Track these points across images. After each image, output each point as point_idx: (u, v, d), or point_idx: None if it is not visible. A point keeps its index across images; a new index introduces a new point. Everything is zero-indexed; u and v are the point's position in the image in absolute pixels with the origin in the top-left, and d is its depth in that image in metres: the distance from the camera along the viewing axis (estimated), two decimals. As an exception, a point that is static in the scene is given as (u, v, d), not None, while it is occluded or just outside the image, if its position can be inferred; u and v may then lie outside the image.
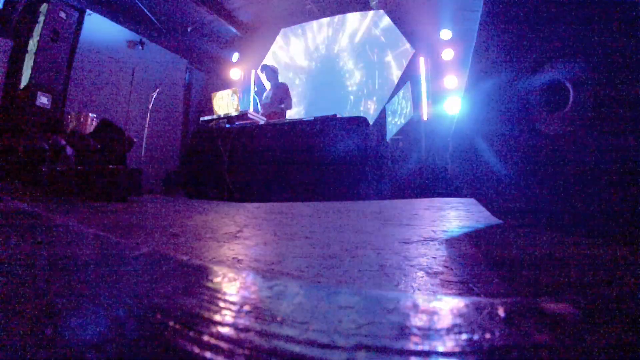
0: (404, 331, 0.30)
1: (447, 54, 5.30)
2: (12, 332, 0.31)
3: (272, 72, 4.32)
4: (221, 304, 0.37)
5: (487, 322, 0.32)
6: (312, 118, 3.44)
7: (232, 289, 0.45)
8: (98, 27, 4.91)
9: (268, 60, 6.51)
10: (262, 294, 0.43)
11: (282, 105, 4.13)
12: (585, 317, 0.33)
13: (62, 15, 4.31)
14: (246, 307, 0.36)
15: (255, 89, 3.77)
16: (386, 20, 5.70)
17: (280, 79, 4.60)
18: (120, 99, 5.16)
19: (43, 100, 4.08)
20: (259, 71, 4.60)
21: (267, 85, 4.40)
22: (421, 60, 5.44)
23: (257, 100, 4.36)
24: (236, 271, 0.56)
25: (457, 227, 1.29)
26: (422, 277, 0.60)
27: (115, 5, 5.23)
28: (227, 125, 3.68)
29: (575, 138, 0.96)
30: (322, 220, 1.52)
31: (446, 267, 0.68)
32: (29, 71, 4.05)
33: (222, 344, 0.28)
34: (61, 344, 0.29)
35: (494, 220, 1.34)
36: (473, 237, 1.08)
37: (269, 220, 1.51)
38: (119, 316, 0.34)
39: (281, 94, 4.18)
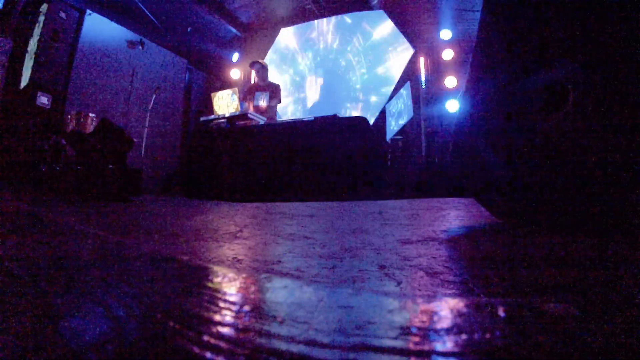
0: (404, 331, 0.30)
1: (447, 54, 5.30)
2: (12, 332, 0.31)
3: (262, 69, 4.16)
4: (221, 304, 0.37)
5: (487, 322, 0.32)
6: (312, 118, 3.44)
7: (232, 289, 0.45)
8: (98, 27, 4.90)
9: (267, 61, 6.52)
10: (262, 294, 0.43)
11: (272, 103, 4.04)
12: (585, 317, 0.33)
13: (62, 15, 4.31)
14: (246, 307, 0.36)
15: (239, 108, 3.64)
16: (386, 20, 5.70)
17: (281, 79, 4.58)
18: (120, 99, 5.15)
19: (43, 100, 4.08)
20: (249, 67, 4.40)
21: (256, 78, 4.22)
22: (421, 60, 5.44)
23: (248, 106, 4.10)
24: (236, 271, 0.56)
25: (457, 227, 1.29)
26: (422, 277, 0.60)
27: (115, 5, 5.23)
28: (227, 125, 3.68)
29: (576, 138, 0.96)
30: (322, 221, 1.52)
31: (446, 267, 0.68)
32: (29, 71, 4.04)
33: (222, 344, 0.28)
34: (61, 344, 0.29)
35: (494, 220, 1.34)
36: (473, 237, 1.08)
37: (269, 220, 1.51)
38: (119, 316, 0.34)
39: (274, 96, 4.10)
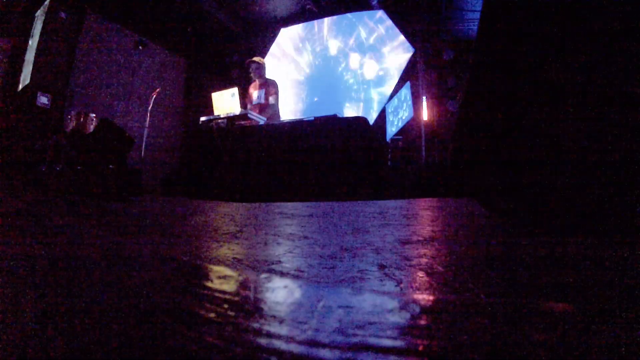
0: (404, 331, 0.30)
1: (447, 54, 5.31)
2: (12, 332, 0.31)
3: (259, 67, 4.14)
4: (221, 304, 0.37)
5: (487, 322, 0.32)
6: (312, 118, 3.44)
7: (232, 289, 0.45)
8: (98, 27, 4.91)
9: (267, 61, 6.52)
10: (261, 294, 0.43)
11: (272, 100, 4.01)
12: (585, 317, 0.33)
13: (62, 15, 4.31)
14: (246, 307, 0.36)
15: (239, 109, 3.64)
16: (386, 20, 5.70)
17: (281, 79, 4.57)
18: (120, 99, 5.16)
19: (43, 100, 4.08)
20: (245, 65, 4.40)
21: (253, 77, 4.22)
22: (421, 61, 5.44)
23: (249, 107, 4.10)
24: (236, 271, 0.56)
25: (457, 227, 1.29)
26: (422, 277, 0.60)
27: (115, 5, 5.23)
28: (227, 125, 3.68)
29: (576, 138, 0.96)
30: (322, 220, 1.52)
31: (446, 267, 0.68)
32: (29, 71, 4.05)
33: (222, 344, 0.28)
34: (61, 343, 0.29)
35: (493, 220, 1.34)
36: (473, 237, 1.08)
37: (269, 220, 1.51)
38: (119, 316, 0.34)
39: (272, 92, 4.06)
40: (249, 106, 4.03)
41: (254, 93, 4.16)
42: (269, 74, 4.42)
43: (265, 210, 2.01)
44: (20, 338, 0.30)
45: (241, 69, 6.81)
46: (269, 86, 4.12)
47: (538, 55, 1.06)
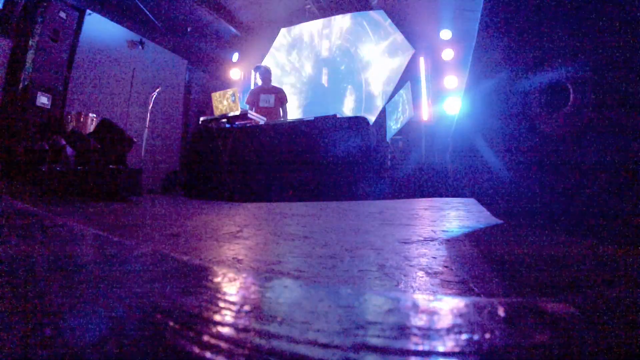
0: (404, 331, 0.30)
1: (447, 54, 5.30)
2: (12, 332, 0.31)
3: (266, 73, 4.26)
4: (221, 304, 0.37)
5: (487, 322, 0.32)
6: (312, 118, 3.44)
7: (232, 289, 0.45)
8: (98, 27, 4.90)
9: (267, 61, 6.52)
10: (262, 294, 0.43)
11: (284, 108, 4.18)
12: (585, 317, 0.33)
13: (62, 15, 4.31)
14: (246, 307, 0.36)
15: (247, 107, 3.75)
16: (386, 20, 5.70)
17: (281, 79, 4.59)
18: (120, 99, 5.16)
19: (43, 100, 4.08)
20: (252, 71, 4.61)
21: (259, 82, 4.34)
22: (421, 60, 5.44)
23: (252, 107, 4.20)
24: (236, 271, 0.56)
25: (457, 227, 1.29)
26: (422, 277, 0.60)
27: (115, 5, 5.23)
28: (227, 125, 3.68)
29: (576, 138, 0.96)
30: (322, 221, 1.52)
31: (446, 267, 0.68)
32: (29, 71, 4.04)
33: (222, 344, 0.28)
34: (61, 344, 0.29)
35: (494, 220, 1.34)
36: (473, 237, 1.08)
37: (269, 220, 1.51)
38: (119, 316, 0.34)
39: (282, 99, 4.19)
40: (253, 109, 4.08)
41: (262, 96, 4.22)
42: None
43: (266, 210, 2.01)
44: (20, 338, 0.30)
45: (241, 69, 6.82)
46: (279, 93, 4.25)
47: (538, 55, 1.06)
